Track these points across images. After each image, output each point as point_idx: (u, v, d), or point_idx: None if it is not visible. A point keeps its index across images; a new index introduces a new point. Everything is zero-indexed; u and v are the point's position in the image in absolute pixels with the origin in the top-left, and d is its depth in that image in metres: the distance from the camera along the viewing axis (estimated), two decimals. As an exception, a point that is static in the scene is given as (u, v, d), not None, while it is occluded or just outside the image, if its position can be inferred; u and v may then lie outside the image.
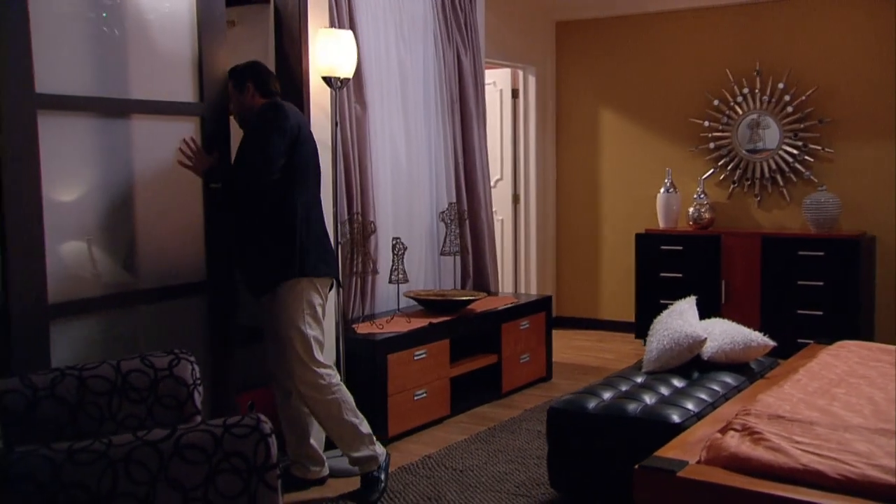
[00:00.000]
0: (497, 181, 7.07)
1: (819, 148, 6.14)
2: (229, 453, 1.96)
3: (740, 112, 6.41)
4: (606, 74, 7.01)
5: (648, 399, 3.29)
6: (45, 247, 2.85)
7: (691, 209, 6.42)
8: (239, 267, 3.58)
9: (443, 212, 5.20)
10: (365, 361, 4.15)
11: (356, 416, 3.58)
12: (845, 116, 6.06)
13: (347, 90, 4.44)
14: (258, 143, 3.38)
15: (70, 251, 3.05)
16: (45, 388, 2.41)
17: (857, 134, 6.05)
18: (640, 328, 6.21)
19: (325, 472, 3.74)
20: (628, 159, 6.95)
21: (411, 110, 5.06)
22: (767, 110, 6.30)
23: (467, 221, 5.48)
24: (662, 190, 6.52)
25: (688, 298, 4.01)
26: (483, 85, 5.74)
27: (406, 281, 4.66)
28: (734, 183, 6.49)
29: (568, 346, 6.53)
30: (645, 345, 3.93)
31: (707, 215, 6.38)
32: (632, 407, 3.19)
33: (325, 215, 3.93)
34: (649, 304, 6.22)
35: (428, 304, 4.80)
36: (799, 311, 5.84)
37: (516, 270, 7.17)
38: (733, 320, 5.76)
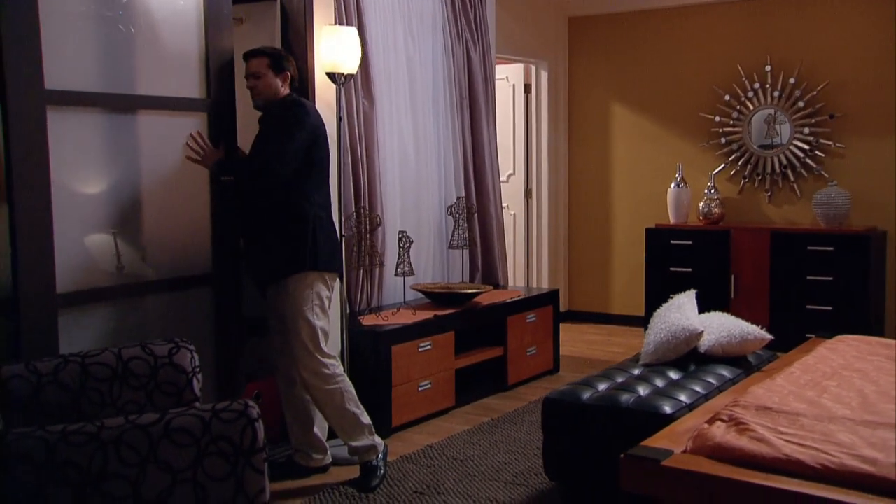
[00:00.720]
0: (509, 176, 7.13)
1: (830, 143, 6.13)
2: (217, 437, 2.04)
3: (751, 107, 6.41)
4: (618, 70, 7.04)
5: (643, 390, 3.34)
6: (53, 238, 2.95)
7: (701, 204, 6.43)
8: (247, 258, 3.66)
9: (451, 206, 5.26)
10: (370, 353, 4.23)
11: (357, 406, 3.66)
12: (856, 111, 6.05)
13: (355, 85, 4.52)
14: (279, 138, 3.46)
15: (78, 243, 3.15)
16: (49, 374, 2.50)
17: (868, 129, 6.03)
18: (650, 323, 6.22)
19: (328, 460, 3.82)
20: (639, 154, 6.97)
21: (420, 105, 5.13)
22: (778, 105, 6.29)
23: (476, 215, 5.54)
24: (673, 185, 6.53)
25: (687, 292, 4.04)
26: (493, 81, 5.80)
27: (412, 274, 4.73)
28: (745, 178, 6.49)
29: (578, 340, 6.58)
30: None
31: (717, 210, 6.39)
32: (625, 398, 3.24)
33: (336, 209, 4.04)
34: (659, 299, 6.15)
35: (434, 297, 4.86)
36: (808, 307, 5.84)
37: (528, 265, 7.22)
38: (742, 315, 5.79)
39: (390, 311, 4.65)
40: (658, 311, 3.96)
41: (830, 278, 5.76)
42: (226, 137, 3.60)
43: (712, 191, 6.44)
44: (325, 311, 3.62)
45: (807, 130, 6.20)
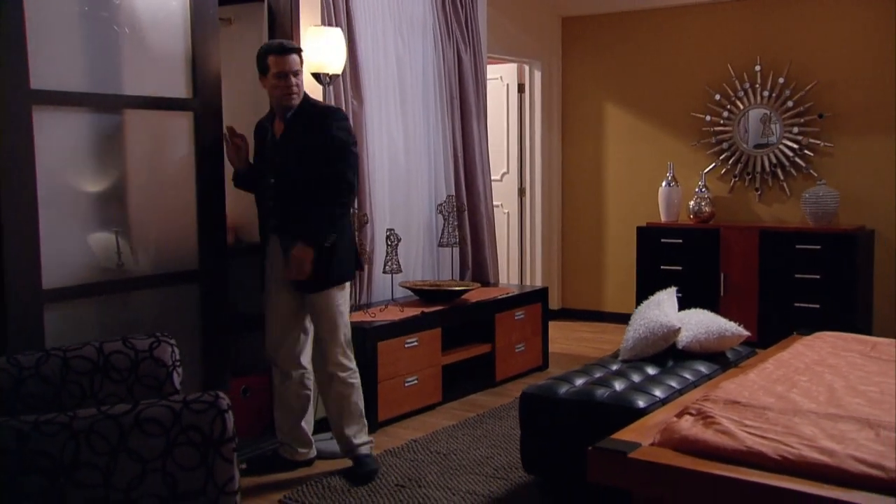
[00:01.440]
0: (503, 174, 7.19)
1: (818, 142, 6.18)
2: (187, 427, 2.11)
3: (741, 107, 6.46)
4: (611, 69, 7.09)
5: (619, 385, 3.40)
6: (40, 235, 3.02)
7: (692, 203, 6.48)
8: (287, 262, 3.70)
9: (441, 204, 5.33)
10: (356, 349, 4.27)
11: (362, 400, 3.81)
12: (845, 111, 6.09)
13: (344, 85, 4.58)
14: (351, 159, 3.62)
15: (65, 240, 3.21)
16: (31, 368, 2.57)
17: (856, 128, 6.08)
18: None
19: (313, 453, 3.89)
20: (632, 153, 7.02)
21: (409, 105, 5.19)
22: (768, 105, 6.34)
23: (466, 214, 5.60)
24: (664, 184, 6.59)
25: (667, 290, 4.10)
26: (484, 81, 5.86)
27: (400, 271, 4.79)
28: (735, 177, 6.54)
29: (569, 338, 6.64)
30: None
31: (707, 209, 6.44)
32: (600, 392, 3.30)
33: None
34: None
35: (422, 294, 4.93)
36: (796, 304, 5.89)
37: (522, 263, 7.29)
38: (731, 313, 5.88)
39: (378, 307, 4.71)
40: (638, 308, 4.02)
41: (818, 277, 5.80)
42: (212, 137, 3.67)
43: (703, 190, 6.49)
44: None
45: (796, 130, 6.25)
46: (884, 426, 2.57)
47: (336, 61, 4.03)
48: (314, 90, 4.19)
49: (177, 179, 3.60)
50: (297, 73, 3.58)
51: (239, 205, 4.41)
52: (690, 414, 2.80)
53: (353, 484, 3.61)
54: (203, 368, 3.65)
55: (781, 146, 6.31)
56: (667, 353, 3.80)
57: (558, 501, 3.41)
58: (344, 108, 4.58)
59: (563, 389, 3.39)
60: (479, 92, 5.75)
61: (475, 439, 4.16)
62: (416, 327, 4.55)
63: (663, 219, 6.60)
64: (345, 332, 3.75)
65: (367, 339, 4.29)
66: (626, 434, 2.82)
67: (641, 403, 3.19)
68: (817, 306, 5.80)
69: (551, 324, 6.75)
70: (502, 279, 6.73)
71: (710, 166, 6.59)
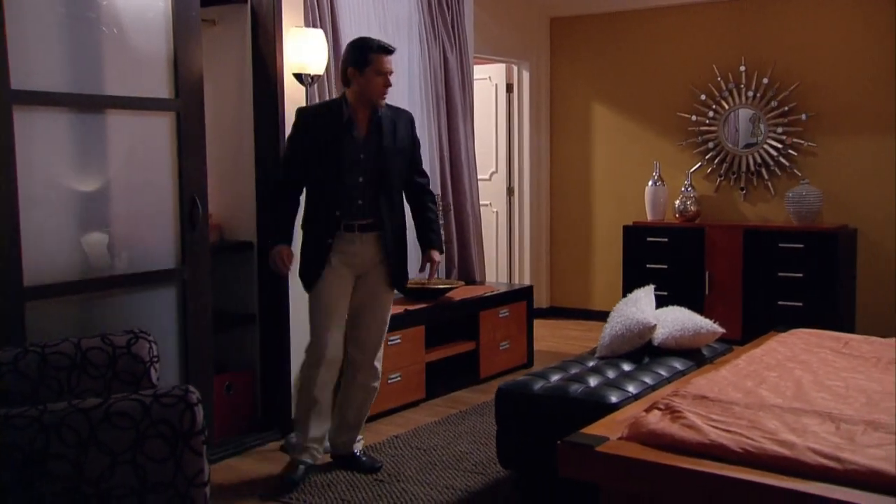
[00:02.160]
0: (492, 174, 7.25)
1: (803, 142, 6.24)
2: (157, 420, 2.16)
3: (727, 106, 6.51)
4: (599, 70, 7.14)
5: (593, 381, 3.44)
6: (20, 234, 3.07)
7: (677, 202, 6.53)
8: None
9: (426, 203, 5.37)
10: (339, 346, 4.34)
11: None
12: (828, 111, 6.15)
13: (329, 85, 4.63)
14: (418, 150, 3.91)
15: (46, 238, 3.26)
16: (8, 363, 2.62)
17: (839, 128, 6.13)
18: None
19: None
20: (619, 153, 7.08)
21: (395, 104, 5.22)
22: (752, 105, 6.39)
23: (452, 213, 5.65)
24: (650, 183, 6.64)
25: (645, 287, 4.15)
26: (471, 81, 5.91)
27: (383, 269, 4.83)
28: (721, 176, 6.59)
29: (556, 335, 6.69)
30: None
31: (693, 208, 6.49)
32: (574, 388, 3.35)
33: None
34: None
35: (407, 292, 4.97)
36: (779, 303, 5.94)
37: (510, 261, 7.34)
38: (716, 311, 5.94)
39: (362, 305, 4.76)
40: (616, 305, 4.07)
41: (801, 275, 5.86)
42: (194, 138, 3.72)
43: (689, 189, 6.54)
44: None
45: (780, 130, 6.30)
46: (844, 419, 2.63)
47: (318, 62, 4.08)
48: (297, 90, 4.24)
49: (158, 179, 3.65)
50: (392, 74, 3.68)
51: (225, 203, 4.47)
52: (659, 409, 2.85)
53: (368, 473, 3.71)
54: (184, 365, 3.70)
55: (766, 146, 6.37)
56: (643, 349, 3.85)
57: (532, 496, 3.46)
58: (328, 109, 4.63)
59: (538, 385, 3.44)
60: (466, 92, 5.80)
61: (457, 435, 4.22)
62: (399, 325, 4.60)
63: (649, 218, 6.65)
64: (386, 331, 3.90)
65: (349, 337, 4.33)
66: (595, 429, 2.88)
67: (614, 399, 3.24)
68: (800, 304, 5.86)
69: (540, 322, 6.83)
70: (491, 278, 6.78)
71: (696, 166, 6.65)
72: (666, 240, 6.42)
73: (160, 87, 3.64)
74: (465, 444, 4.08)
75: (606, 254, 7.18)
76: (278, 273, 3.80)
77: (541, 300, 7.31)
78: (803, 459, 2.36)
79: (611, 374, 3.58)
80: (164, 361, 3.48)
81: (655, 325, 3.81)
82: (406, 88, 5.31)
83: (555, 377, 3.55)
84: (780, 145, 6.31)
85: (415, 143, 3.85)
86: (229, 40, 4.34)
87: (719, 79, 6.50)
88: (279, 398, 4.33)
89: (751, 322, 5.98)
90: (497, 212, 7.30)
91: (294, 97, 4.26)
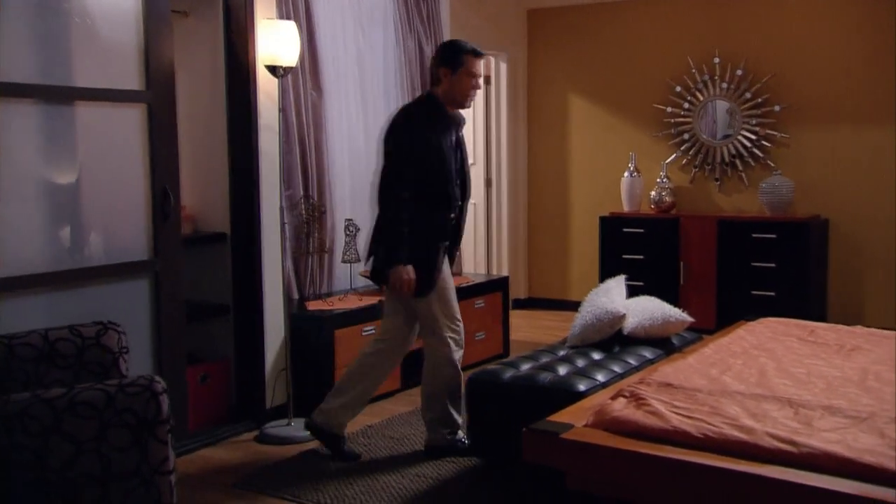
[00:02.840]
0: (470, 165, 7.25)
1: (775, 133, 6.29)
2: (121, 410, 2.18)
3: (701, 98, 6.56)
4: (576, 61, 7.17)
5: (562, 370, 3.49)
6: (-11, 225, 3.07)
7: (653, 193, 6.58)
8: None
9: (402, 195, 5.39)
10: (313, 337, 4.37)
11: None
12: (800, 103, 6.21)
13: (303, 77, 4.64)
14: None
15: (16, 229, 3.26)
16: (-24, 354, 2.63)
17: (811, 120, 6.19)
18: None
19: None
20: (596, 144, 7.11)
21: (370, 97, 5.25)
22: (727, 96, 6.45)
23: (428, 204, 5.66)
24: (626, 174, 6.68)
25: (616, 277, 4.20)
26: (446, 72, 5.91)
27: (359, 260, 4.86)
28: (696, 167, 6.65)
29: (533, 326, 6.73)
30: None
31: (668, 199, 6.54)
32: (543, 377, 3.39)
33: (277, 198, 4.20)
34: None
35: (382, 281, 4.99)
36: (753, 292, 6.00)
37: (489, 252, 7.37)
38: (690, 301, 6.01)
39: (337, 296, 4.78)
40: (588, 295, 4.11)
41: (774, 265, 5.92)
42: (166, 129, 3.72)
43: (664, 180, 6.59)
44: None
45: (754, 121, 6.36)
46: (803, 405, 2.68)
47: (289, 54, 4.08)
48: (270, 82, 4.24)
49: (130, 171, 3.65)
50: (481, 77, 3.72)
51: (198, 195, 4.48)
52: (624, 396, 2.89)
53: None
54: (157, 356, 3.72)
55: (740, 137, 6.42)
56: (613, 338, 3.90)
57: (501, 483, 3.49)
58: (303, 100, 4.65)
59: (508, 374, 3.47)
60: (441, 84, 5.81)
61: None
62: (373, 316, 4.62)
63: (626, 209, 6.70)
64: None
65: (323, 328, 4.36)
66: (561, 416, 2.92)
67: (582, 387, 3.28)
68: (773, 294, 5.92)
69: (517, 312, 6.87)
70: (469, 269, 6.81)
71: (672, 157, 6.70)
72: (642, 230, 6.47)
73: (131, 78, 3.65)
74: (438, 434, 4.10)
75: (583, 244, 7.23)
76: (398, 295, 3.72)
77: (519, 291, 7.35)
78: (761, 444, 2.41)
79: (580, 362, 3.62)
80: (136, 353, 3.50)
81: (625, 314, 3.85)
82: (381, 80, 5.32)
83: (525, 366, 3.59)
84: (753, 137, 6.36)
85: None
86: (201, 32, 4.34)
87: (694, 71, 6.55)
88: (254, 388, 4.35)
89: (724, 311, 6.04)
90: (475, 203, 7.31)
91: (266, 89, 4.27)
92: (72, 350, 2.77)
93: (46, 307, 3.36)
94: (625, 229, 6.54)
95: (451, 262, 3.89)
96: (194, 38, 4.36)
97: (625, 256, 6.51)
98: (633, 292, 4.36)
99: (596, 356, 3.72)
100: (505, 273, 7.19)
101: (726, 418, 2.60)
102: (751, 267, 6.01)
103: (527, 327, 6.63)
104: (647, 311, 3.92)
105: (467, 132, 7.03)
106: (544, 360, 3.70)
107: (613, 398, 2.91)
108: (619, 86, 6.96)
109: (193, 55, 4.38)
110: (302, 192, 4.67)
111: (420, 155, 3.59)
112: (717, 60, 6.45)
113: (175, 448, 2.49)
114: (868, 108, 5.99)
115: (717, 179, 6.57)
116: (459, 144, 3.80)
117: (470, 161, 7.01)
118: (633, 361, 3.63)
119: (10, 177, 3.21)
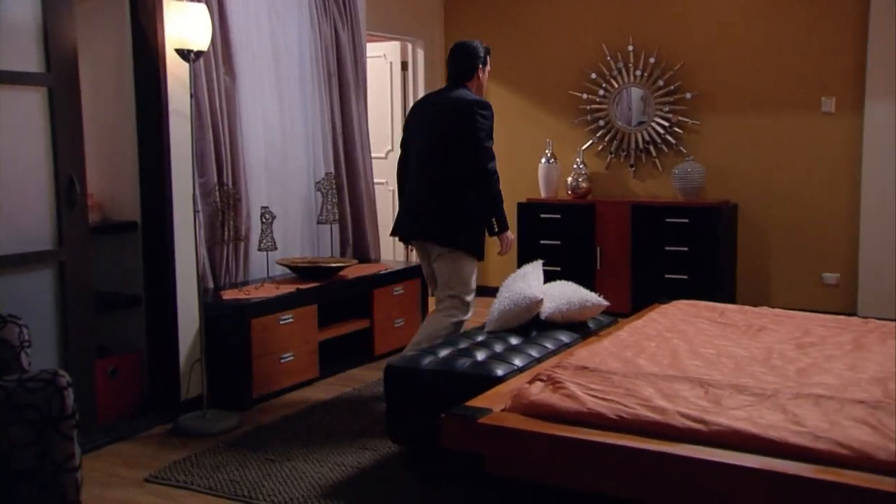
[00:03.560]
0: (388, 152, 7.22)
1: (687, 120, 6.44)
2: (22, 406, 2.09)
3: (616, 85, 6.66)
4: (493, 48, 7.15)
5: (480, 356, 3.49)
6: None
7: (570, 179, 6.66)
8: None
9: (319, 181, 5.33)
10: (229, 326, 4.28)
11: None
12: (710, 90, 6.37)
13: (216, 61, 4.53)
14: None
15: None
16: None
17: (720, 107, 6.36)
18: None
19: None
20: (513, 131, 7.15)
21: (285, 82, 5.16)
22: (640, 84, 6.56)
23: (345, 191, 5.62)
24: (543, 160, 6.75)
25: (533, 263, 4.23)
26: (363, 58, 5.86)
27: (275, 248, 4.78)
28: (611, 154, 6.75)
29: (453, 312, 6.73)
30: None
31: (584, 185, 6.63)
32: (461, 363, 3.39)
33: (190, 185, 4.11)
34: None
35: (299, 271, 4.94)
36: (666, 276, 6.14)
37: (408, 240, 7.33)
38: (606, 285, 6.10)
39: (254, 285, 4.70)
40: (505, 280, 4.14)
41: (686, 249, 6.07)
42: (70, 114, 3.58)
43: (580, 166, 6.68)
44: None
45: (667, 108, 6.49)
46: (713, 384, 2.75)
47: (200, 37, 3.97)
48: (180, 66, 4.12)
49: (31, 158, 3.50)
50: None
51: (107, 182, 4.33)
52: (541, 380, 2.92)
53: None
54: (63, 349, 3.59)
55: (654, 123, 6.55)
56: (531, 323, 3.92)
57: (420, 469, 3.49)
58: (216, 85, 4.53)
59: (426, 361, 3.46)
60: (358, 69, 5.76)
61: (350, 413, 4.22)
62: (290, 304, 4.56)
63: (543, 195, 6.77)
64: None
65: (239, 317, 4.28)
66: (480, 401, 2.93)
67: (500, 372, 3.29)
68: (686, 277, 6.07)
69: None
70: (388, 256, 6.78)
71: (587, 143, 6.79)
72: (559, 216, 6.55)
73: (29, 60, 3.50)
74: (358, 422, 4.08)
75: (502, 231, 7.25)
76: (506, 253, 4.57)
77: (438, 278, 7.34)
78: (672, 423, 2.46)
79: (498, 347, 3.64)
80: (41, 346, 3.38)
81: (542, 299, 3.89)
82: (296, 65, 5.24)
83: (443, 352, 3.58)
84: (666, 123, 6.50)
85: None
86: (107, 13, 4.19)
87: (609, 58, 6.65)
88: (168, 380, 4.25)
89: (639, 295, 6.17)
90: (393, 190, 7.27)
91: (176, 73, 4.15)
92: (-31, 345, 2.64)
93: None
94: (542, 215, 6.61)
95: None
96: (100, 20, 4.21)
97: (542, 242, 6.58)
98: (550, 277, 4.41)
99: (514, 341, 3.74)
100: (424, 260, 7.18)
101: (640, 399, 2.65)
102: (664, 251, 6.15)
103: (446, 314, 6.63)
104: (564, 295, 3.96)
105: (383, 117, 7.05)
106: (462, 345, 3.70)
107: (531, 382, 2.93)
108: (536, 73, 7.01)
109: (99, 37, 4.22)
110: (216, 180, 4.56)
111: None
112: (631, 48, 6.56)
113: (82, 444, 2.41)
114: (772, 96, 6.18)
115: (631, 165, 6.69)
116: None
117: (388, 147, 7.13)
118: (550, 345, 3.66)
119: None
